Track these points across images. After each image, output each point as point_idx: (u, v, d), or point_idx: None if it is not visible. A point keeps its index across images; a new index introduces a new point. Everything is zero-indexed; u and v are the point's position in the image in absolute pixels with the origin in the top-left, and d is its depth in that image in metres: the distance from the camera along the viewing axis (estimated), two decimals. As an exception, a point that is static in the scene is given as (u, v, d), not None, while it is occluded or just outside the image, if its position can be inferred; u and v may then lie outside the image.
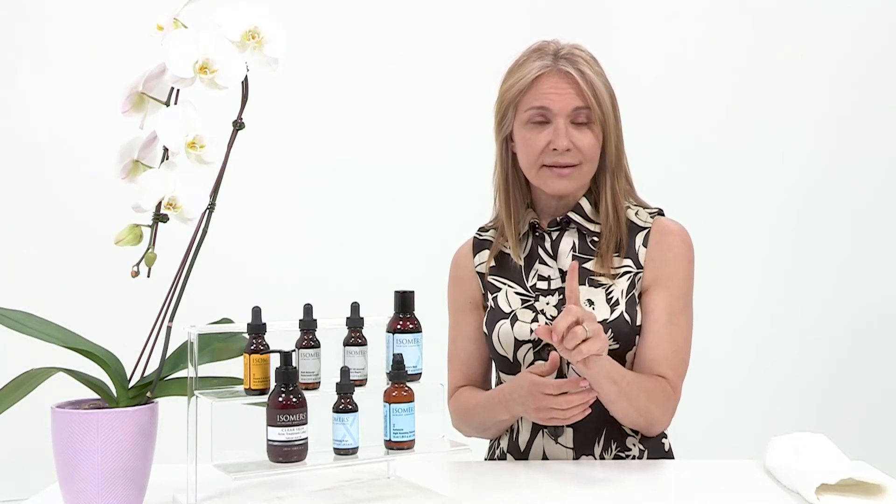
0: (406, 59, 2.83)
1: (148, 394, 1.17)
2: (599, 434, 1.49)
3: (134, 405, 1.16)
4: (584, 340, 1.24)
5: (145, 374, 1.19)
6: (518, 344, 1.51)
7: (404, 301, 1.25)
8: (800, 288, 2.84)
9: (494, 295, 1.56)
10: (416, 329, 1.24)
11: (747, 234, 2.82)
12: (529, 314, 1.51)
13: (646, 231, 1.54)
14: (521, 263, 1.56)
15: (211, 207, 1.15)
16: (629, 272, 1.51)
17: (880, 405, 2.83)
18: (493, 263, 1.58)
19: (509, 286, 1.56)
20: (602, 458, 1.49)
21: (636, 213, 1.56)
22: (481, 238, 1.64)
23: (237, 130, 1.17)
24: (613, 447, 1.49)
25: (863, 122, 2.85)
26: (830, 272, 2.84)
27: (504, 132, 1.56)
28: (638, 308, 1.50)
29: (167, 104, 1.17)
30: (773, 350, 2.83)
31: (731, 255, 2.72)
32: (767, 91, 2.85)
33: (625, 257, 1.52)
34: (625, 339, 1.46)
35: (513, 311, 1.53)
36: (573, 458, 1.49)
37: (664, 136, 2.74)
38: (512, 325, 1.51)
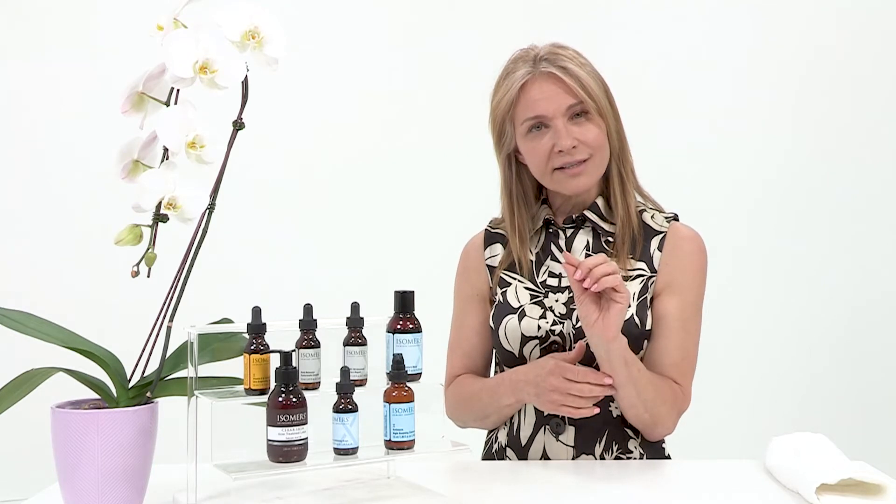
0: (406, 58, 2.83)
1: (148, 394, 1.17)
2: (601, 435, 1.49)
3: (134, 405, 1.16)
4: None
5: (145, 374, 1.19)
6: (525, 340, 1.51)
7: (404, 301, 1.25)
8: (800, 287, 2.84)
9: (504, 290, 1.56)
10: (416, 329, 1.24)
11: (747, 233, 2.82)
12: (538, 310, 1.51)
13: (661, 235, 1.54)
14: (533, 259, 1.56)
15: (211, 207, 1.15)
16: (642, 276, 1.51)
17: (880, 405, 2.83)
18: (511, 260, 1.59)
19: (519, 281, 1.56)
20: (602, 458, 1.49)
21: (652, 217, 1.56)
22: (493, 231, 1.64)
23: (237, 130, 1.17)
24: (614, 448, 1.49)
25: (863, 121, 2.85)
26: (831, 272, 2.84)
27: (507, 148, 1.56)
28: (649, 312, 1.50)
29: (167, 104, 1.17)
30: (773, 350, 2.83)
31: (732, 254, 2.72)
32: (767, 91, 2.85)
33: (639, 260, 1.52)
34: (634, 342, 1.46)
35: (521, 306, 1.53)
36: (573, 457, 1.49)
37: (664, 135, 2.74)
38: (519, 321, 1.51)
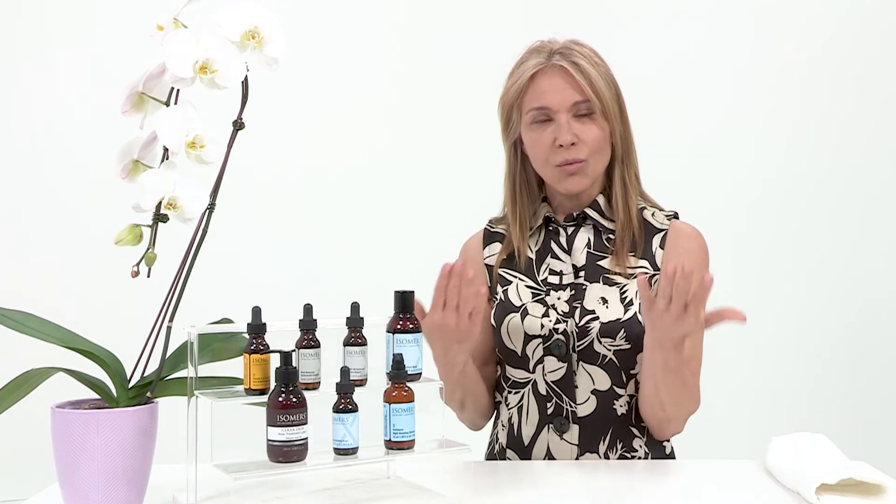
0: (406, 59, 2.83)
1: (148, 394, 1.17)
2: (606, 433, 1.49)
3: (134, 405, 1.16)
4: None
5: (145, 374, 1.19)
6: (528, 338, 1.50)
7: (404, 301, 1.25)
8: (800, 288, 2.84)
9: (505, 288, 1.56)
10: (416, 329, 1.24)
11: (747, 233, 2.82)
12: (540, 308, 1.51)
13: (662, 233, 1.54)
14: (533, 257, 1.56)
15: (211, 207, 1.15)
16: (645, 273, 1.51)
17: (880, 405, 2.83)
18: (504, 257, 1.59)
19: (520, 279, 1.56)
20: (607, 456, 1.49)
21: (653, 215, 1.56)
22: (492, 230, 1.64)
23: (237, 130, 1.17)
24: (619, 447, 1.49)
25: (863, 121, 2.85)
26: (831, 272, 2.84)
27: (512, 136, 1.57)
28: None
29: (167, 104, 1.17)
30: (773, 350, 2.82)
31: (731, 254, 2.72)
32: (767, 91, 2.84)
33: (641, 258, 1.52)
34: (637, 340, 1.46)
35: (523, 304, 1.53)
36: (577, 455, 1.49)
37: (664, 135, 2.74)
38: (522, 319, 1.51)
